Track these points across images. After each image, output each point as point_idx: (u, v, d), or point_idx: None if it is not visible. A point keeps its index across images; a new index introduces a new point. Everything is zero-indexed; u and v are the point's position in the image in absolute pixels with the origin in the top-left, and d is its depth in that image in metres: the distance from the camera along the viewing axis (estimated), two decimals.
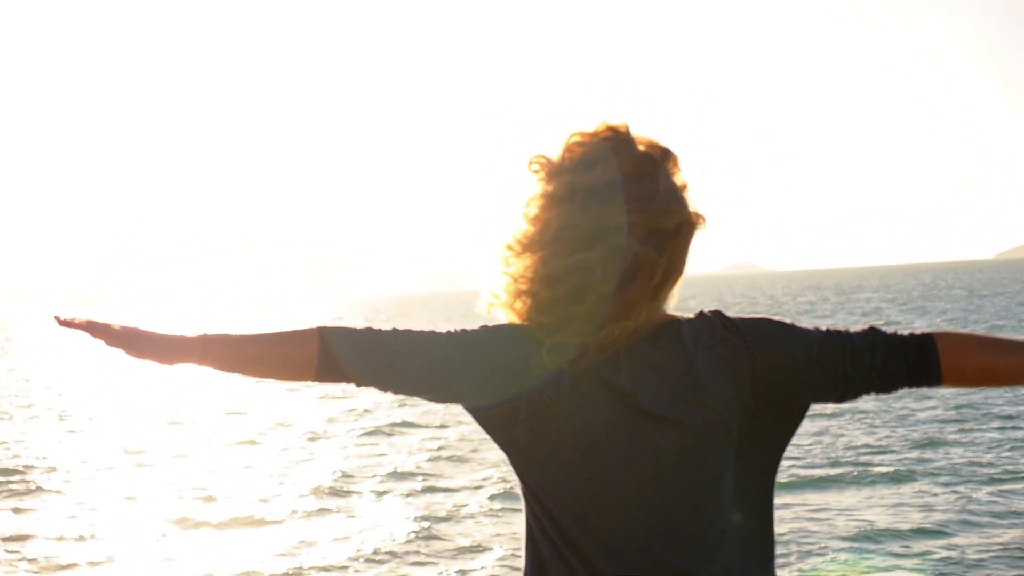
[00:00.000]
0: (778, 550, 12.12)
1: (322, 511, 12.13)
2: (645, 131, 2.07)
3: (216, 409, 22.81)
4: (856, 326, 2.07)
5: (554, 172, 2.02)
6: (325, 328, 2.03)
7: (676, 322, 2.06)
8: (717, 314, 2.06)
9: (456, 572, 9.60)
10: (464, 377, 2.03)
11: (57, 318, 1.96)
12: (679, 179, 2.05)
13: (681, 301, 2.07)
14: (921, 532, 10.32)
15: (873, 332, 2.03)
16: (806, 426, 16.20)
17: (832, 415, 17.76)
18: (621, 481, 1.97)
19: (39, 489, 14.04)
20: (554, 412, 2.00)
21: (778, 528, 11.63)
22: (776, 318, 2.07)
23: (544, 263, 1.98)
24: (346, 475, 14.36)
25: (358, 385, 2.05)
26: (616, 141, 2.02)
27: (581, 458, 1.98)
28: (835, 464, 13.92)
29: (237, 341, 2.02)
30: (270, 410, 22.32)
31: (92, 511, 12.59)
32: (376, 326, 2.06)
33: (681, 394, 1.98)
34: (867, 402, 18.26)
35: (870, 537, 10.22)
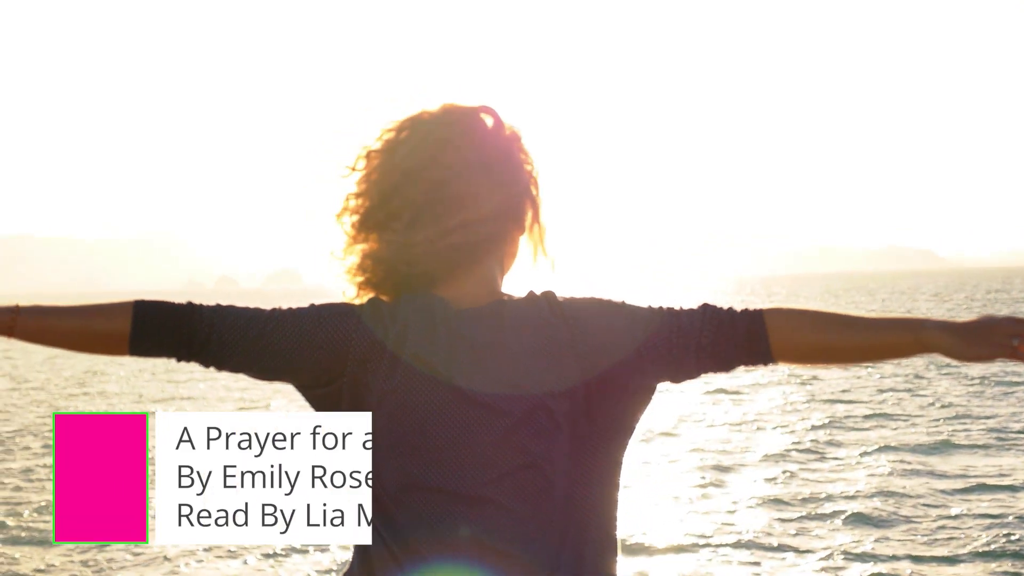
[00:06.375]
0: None
1: None
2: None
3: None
4: (690, 304, 2.02)
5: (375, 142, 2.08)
6: (141, 302, 2.04)
7: (502, 302, 2.02)
8: (547, 295, 2.02)
9: None
10: (281, 355, 2.00)
11: None
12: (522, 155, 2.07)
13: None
14: None
15: (704, 310, 1.99)
16: None
17: None
18: (441, 466, 1.93)
19: None
20: (373, 393, 1.96)
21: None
22: (605, 299, 2.03)
23: (362, 216, 2.03)
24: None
25: (179, 360, 2.04)
26: (434, 114, 2.06)
27: (400, 441, 1.94)
28: None
29: (50, 313, 2.03)
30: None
31: None
32: (198, 302, 2.06)
33: (500, 378, 1.94)
34: None
35: None
